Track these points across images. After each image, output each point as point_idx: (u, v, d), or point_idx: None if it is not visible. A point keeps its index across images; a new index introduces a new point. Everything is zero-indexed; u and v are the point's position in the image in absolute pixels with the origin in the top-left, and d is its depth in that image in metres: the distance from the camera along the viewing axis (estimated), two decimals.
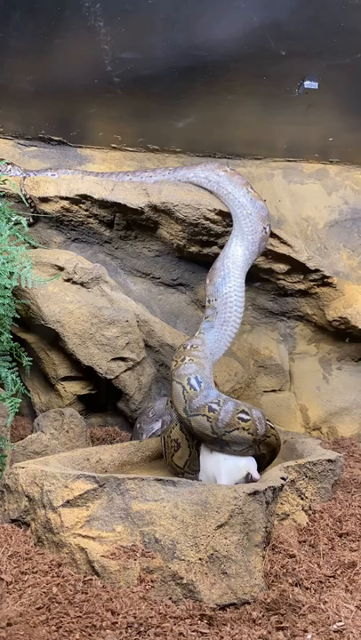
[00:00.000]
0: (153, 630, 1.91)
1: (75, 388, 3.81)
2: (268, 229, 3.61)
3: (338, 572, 2.32)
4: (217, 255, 3.94)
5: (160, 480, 2.25)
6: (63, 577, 2.12)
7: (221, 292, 3.42)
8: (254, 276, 3.87)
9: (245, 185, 3.63)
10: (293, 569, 2.28)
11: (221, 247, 3.92)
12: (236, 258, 3.50)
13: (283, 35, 2.95)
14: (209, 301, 3.46)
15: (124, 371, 3.72)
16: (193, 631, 1.93)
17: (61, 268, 3.62)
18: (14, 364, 3.09)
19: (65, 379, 3.77)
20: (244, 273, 3.53)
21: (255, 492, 2.26)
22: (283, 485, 2.51)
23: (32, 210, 3.80)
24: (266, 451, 2.79)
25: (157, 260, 4.09)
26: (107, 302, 3.70)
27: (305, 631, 1.95)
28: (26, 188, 3.74)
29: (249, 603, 2.12)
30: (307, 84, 3.35)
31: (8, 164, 3.83)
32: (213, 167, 3.77)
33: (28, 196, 3.72)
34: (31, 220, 3.75)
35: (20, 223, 3.31)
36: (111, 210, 3.84)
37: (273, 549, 2.38)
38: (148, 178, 3.91)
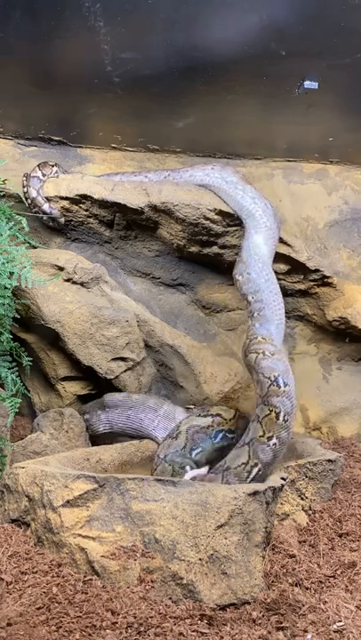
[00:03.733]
0: (153, 630, 1.91)
1: (75, 388, 3.81)
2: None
3: (338, 572, 2.33)
4: (217, 255, 3.96)
5: (160, 480, 2.25)
6: (63, 577, 2.13)
7: (260, 284, 3.56)
8: None
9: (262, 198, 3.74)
10: (293, 569, 2.28)
11: (222, 247, 3.92)
12: (263, 255, 3.63)
13: (283, 35, 2.95)
14: (249, 297, 3.57)
15: (124, 371, 3.72)
16: (193, 631, 1.93)
17: (61, 268, 3.62)
18: (14, 363, 3.09)
19: (65, 379, 3.77)
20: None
21: (255, 493, 2.26)
22: (283, 485, 2.52)
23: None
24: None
25: (157, 259, 4.09)
26: (107, 302, 3.70)
27: (305, 631, 1.95)
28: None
29: (249, 603, 2.12)
30: (307, 84, 3.35)
31: (52, 165, 3.91)
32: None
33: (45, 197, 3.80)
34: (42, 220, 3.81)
35: (21, 223, 3.31)
36: (111, 210, 3.84)
37: (273, 549, 2.38)
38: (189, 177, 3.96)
